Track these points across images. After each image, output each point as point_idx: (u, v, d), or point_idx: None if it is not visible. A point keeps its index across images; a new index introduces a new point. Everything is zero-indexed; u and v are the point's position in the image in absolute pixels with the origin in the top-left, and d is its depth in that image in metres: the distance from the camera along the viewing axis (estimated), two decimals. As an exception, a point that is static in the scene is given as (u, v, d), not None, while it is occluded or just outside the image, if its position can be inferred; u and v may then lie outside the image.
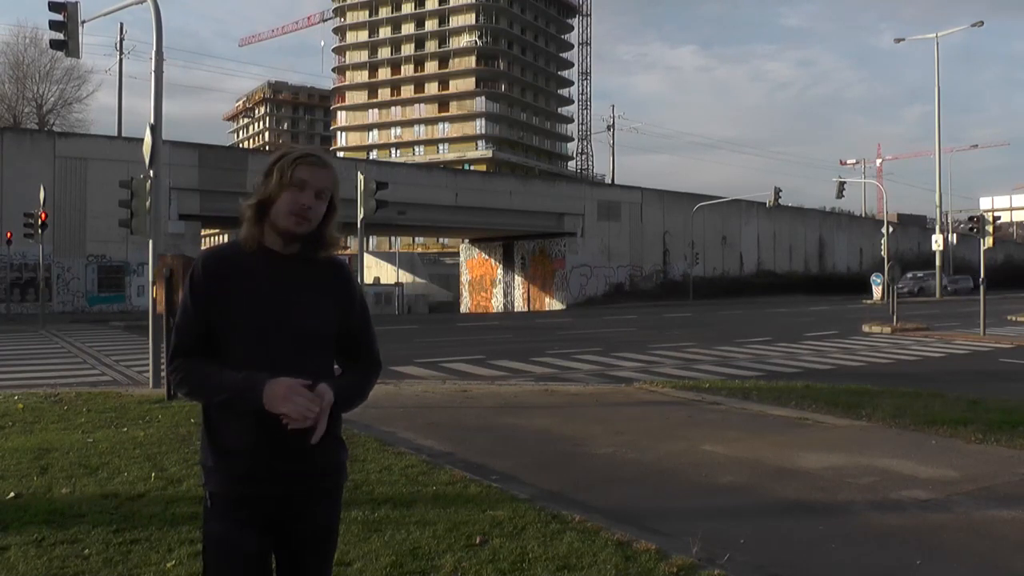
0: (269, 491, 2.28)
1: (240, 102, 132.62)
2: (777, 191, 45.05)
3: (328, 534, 2.42)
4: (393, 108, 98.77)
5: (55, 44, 15.65)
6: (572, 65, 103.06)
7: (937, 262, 48.19)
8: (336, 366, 2.46)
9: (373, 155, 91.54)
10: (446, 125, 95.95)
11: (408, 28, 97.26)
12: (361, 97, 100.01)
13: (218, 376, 2.23)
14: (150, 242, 12.16)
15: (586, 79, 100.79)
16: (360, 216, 13.99)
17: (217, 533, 2.31)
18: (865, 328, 24.20)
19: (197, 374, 2.27)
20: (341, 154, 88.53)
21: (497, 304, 50.58)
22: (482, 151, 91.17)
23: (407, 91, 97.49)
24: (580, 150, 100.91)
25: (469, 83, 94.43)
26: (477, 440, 8.19)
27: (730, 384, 12.12)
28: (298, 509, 2.33)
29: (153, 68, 12.42)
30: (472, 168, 73.94)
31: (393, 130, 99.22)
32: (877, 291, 41.35)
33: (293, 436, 2.21)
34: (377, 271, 59.57)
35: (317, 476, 2.34)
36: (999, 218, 33.91)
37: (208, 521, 2.34)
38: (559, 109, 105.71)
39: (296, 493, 2.31)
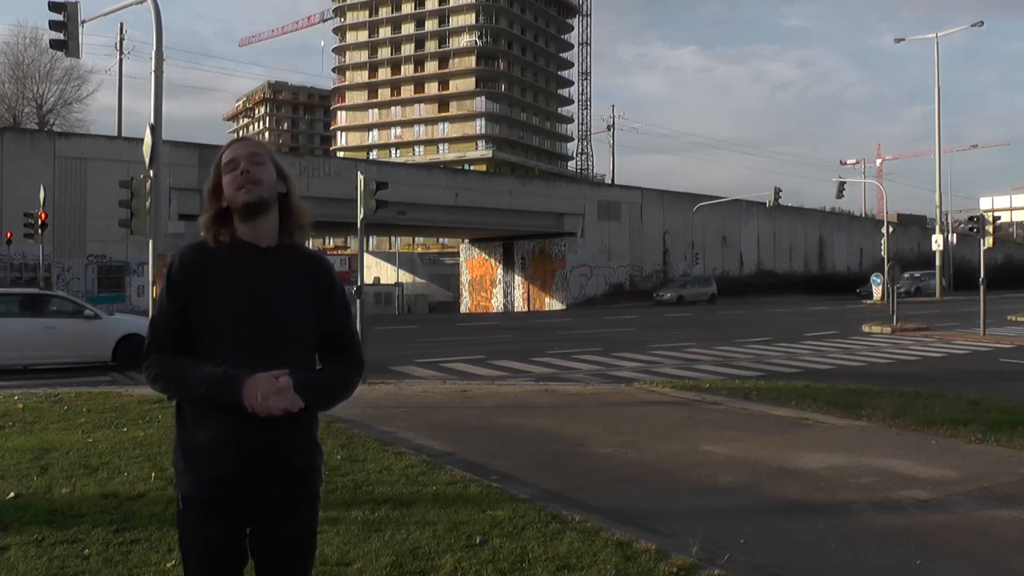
0: (241, 495, 2.26)
1: (240, 102, 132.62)
2: (777, 191, 45.04)
3: (305, 538, 2.39)
4: (393, 108, 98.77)
5: (55, 44, 15.65)
6: (572, 65, 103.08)
7: (937, 262, 48.14)
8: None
9: (373, 155, 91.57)
10: (446, 125, 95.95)
11: (408, 28, 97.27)
12: (361, 97, 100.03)
13: (197, 370, 2.20)
14: (150, 242, 12.17)
15: (586, 79, 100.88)
16: (360, 216, 13.97)
17: (190, 535, 2.31)
18: (865, 328, 24.20)
19: (174, 368, 2.24)
20: (341, 154, 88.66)
21: (497, 304, 50.58)
22: (482, 151, 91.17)
23: (407, 91, 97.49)
24: (580, 150, 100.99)
25: (469, 83, 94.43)
26: (477, 440, 8.19)
27: (730, 384, 12.12)
28: (273, 512, 2.31)
29: (153, 68, 12.43)
30: (472, 168, 73.90)
31: (393, 130, 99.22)
32: (877, 291, 41.34)
33: (266, 437, 2.21)
34: (377, 271, 59.57)
35: (290, 480, 2.31)
36: (999, 218, 33.87)
37: (181, 523, 2.34)
38: (559, 109, 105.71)
39: (270, 497, 2.29)
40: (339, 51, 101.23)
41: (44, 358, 14.68)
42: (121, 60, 47.54)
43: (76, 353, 14.93)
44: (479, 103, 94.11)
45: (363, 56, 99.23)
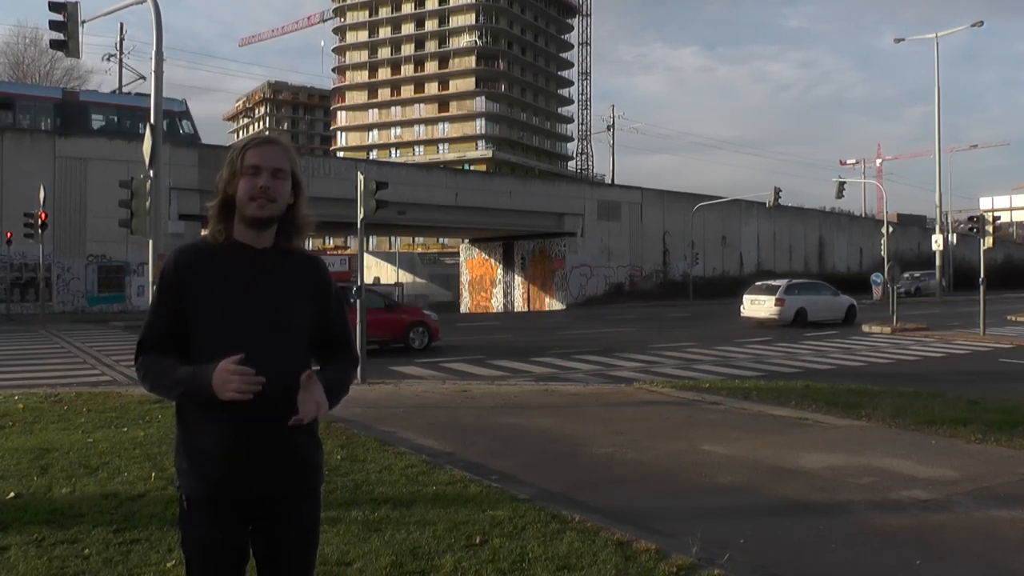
0: (244, 493, 2.26)
1: (240, 102, 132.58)
2: (777, 191, 44.98)
3: (307, 536, 2.39)
4: (393, 108, 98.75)
5: (55, 44, 15.63)
6: (572, 65, 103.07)
7: (937, 262, 48.12)
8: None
9: (373, 155, 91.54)
10: (446, 125, 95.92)
11: (408, 28, 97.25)
12: (361, 97, 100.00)
13: (173, 372, 2.21)
14: (150, 242, 12.16)
15: (586, 79, 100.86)
16: (360, 216, 13.96)
17: (194, 535, 2.30)
18: (865, 328, 24.20)
19: (157, 370, 2.25)
20: (341, 154, 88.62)
21: (497, 304, 50.55)
22: (482, 151, 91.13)
23: (407, 91, 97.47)
24: (580, 150, 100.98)
25: (469, 83, 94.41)
26: (477, 440, 8.19)
27: (730, 384, 12.12)
28: (275, 511, 2.31)
29: (153, 68, 12.43)
30: (472, 168, 73.84)
31: (393, 130, 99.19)
32: (877, 291, 41.30)
33: (267, 435, 2.21)
34: (377, 271, 59.52)
35: (292, 478, 2.31)
36: (999, 218, 33.84)
37: (184, 523, 2.33)
38: (559, 109, 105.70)
39: (272, 495, 2.29)
40: (339, 51, 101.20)
41: (823, 318, 25.63)
42: (121, 60, 47.55)
43: (832, 315, 26.10)
44: (479, 103, 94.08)
45: (363, 56, 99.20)
